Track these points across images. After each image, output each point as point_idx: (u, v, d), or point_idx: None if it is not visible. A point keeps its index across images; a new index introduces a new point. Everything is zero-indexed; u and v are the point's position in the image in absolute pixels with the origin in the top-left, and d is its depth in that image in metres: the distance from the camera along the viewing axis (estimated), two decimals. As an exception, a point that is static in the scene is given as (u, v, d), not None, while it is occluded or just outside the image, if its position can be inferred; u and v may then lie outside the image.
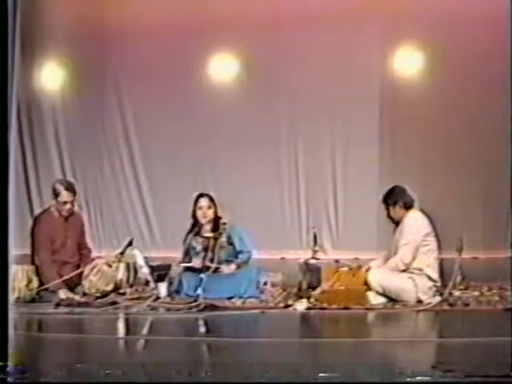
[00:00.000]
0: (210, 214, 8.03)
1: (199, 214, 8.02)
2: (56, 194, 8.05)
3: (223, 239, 8.01)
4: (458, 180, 10.86)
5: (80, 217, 8.57)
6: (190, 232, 8.09)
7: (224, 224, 8.02)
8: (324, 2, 10.68)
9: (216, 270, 7.84)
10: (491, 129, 10.31)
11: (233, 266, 7.92)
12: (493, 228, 10.54)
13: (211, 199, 8.09)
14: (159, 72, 11.23)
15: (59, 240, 8.03)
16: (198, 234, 8.06)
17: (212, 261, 7.90)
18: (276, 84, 11.15)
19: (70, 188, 8.14)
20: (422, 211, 7.74)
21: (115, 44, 11.23)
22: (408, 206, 7.70)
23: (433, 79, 10.89)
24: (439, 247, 7.72)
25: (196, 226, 8.08)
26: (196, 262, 7.88)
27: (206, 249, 7.96)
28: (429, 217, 7.72)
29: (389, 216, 7.78)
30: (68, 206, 8.07)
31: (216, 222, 8.03)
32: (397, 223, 7.75)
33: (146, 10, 10.89)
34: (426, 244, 7.57)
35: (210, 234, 8.03)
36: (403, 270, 7.55)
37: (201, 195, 8.12)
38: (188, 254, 8.04)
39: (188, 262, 7.96)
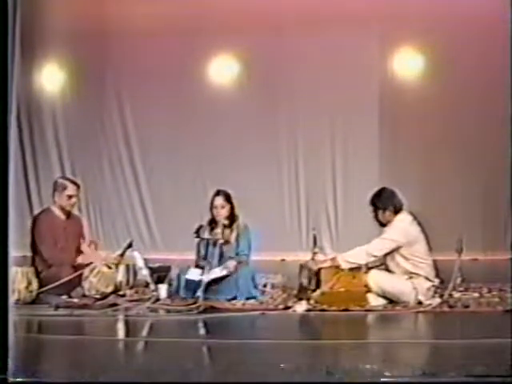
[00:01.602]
0: (224, 212, 8.04)
1: (214, 212, 8.06)
2: (63, 188, 8.15)
3: (233, 235, 8.04)
4: (458, 181, 10.87)
5: (80, 219, 8.62)
6: (204, 226, 8.09)
7: (237, 222, 8.07)
8: (324, 3, 10.68)
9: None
10: (491, 129, 10.32)
11: (233, 263, 7.92)
12: (493, 229, 10.55)
13: (226, 198, 8.08)
14: (159, 73, 11.25)
15: (59, 238, 8.06)
16: (212, 229, 8.06)
17: (221, 255, 7.95)
18: (276, 85, 11.16)
19: (75, 182, 8.34)
20: (411, 214, 7.70)
21: (115, 45, 11.24)
22: (397, 210, 7.67)
23: (432, 80, 10.91)
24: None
25: (212, 221, 8.09)
26: (197, 271, 7.85)
27: (214, 243, 7.97)
28: (416, 220, 7.67)
29: (376, 219, 7.75)
30: (74, 199, 8.20)
31: (231, 219, 8.06)
32: (382, 226, 7.72)
33: (147, 11, 10.89)
34: (413, 250, 7.54)
35: (221, 230, 8.03)
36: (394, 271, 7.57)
37: (217, 193, 8.12)
38: (199, 248, 8.04)
39: (201, 257, 7.96)
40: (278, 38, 10.94)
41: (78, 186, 8.29)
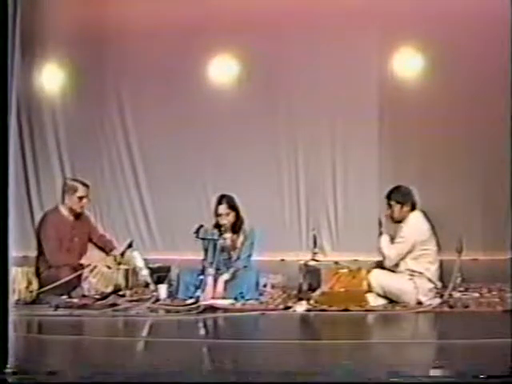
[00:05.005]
0: (229, 219, 7.96)
1: (218, 219, 7.97)
2: (73, 190, 8.13)
3: (240, 239, 8.01)
4: (458, 181, 10.86)
5: (89, 220, 8.58)
6: (205, 227, 7.95)
7: (244, 227, 8.02)
8: (324, 2, 10.68)
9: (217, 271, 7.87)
10: (491, 129, 10.30)
11: (226, 276, 7.88)
12: (493, 229, 10.52)
13: (230, 205, 7.96)
14: (159, 73, 11.23)
15: (65, 240, 8.05)
16: (220, 233, 7.97)
17: (229, 259, 7.95)
18: (276, 85, 11.15)
19: (85, 183, 8.28)
20: (424, 213, 7.71)
21: (116, 45, 11.23)
22: (413, 207, 7.68)
23: (432, 79, 10.90)
24: (439, 249, 7.71)
25: (218, 225, 8.00)
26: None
27: (222, 249, 7.93)
28: (429, 220, 7.69)
29: (391, 215, 7.72)
30: (84, 200, 8.18)
31: (237, 225, 8.00)
32: (397, 223, 7.72)
33: (147, 12, 10.88)
34: (425, 248, 7.54)
35: (228, 235, 8.00)
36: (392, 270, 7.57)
37: (220, 201, 7.99)
38: (207, 252, 7.92)
39: (208, 260, 7.88)
40: (277, 39, 10.93)
41: (88, 187, 8.24)
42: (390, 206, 7.70)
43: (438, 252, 7.70)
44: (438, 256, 7.64)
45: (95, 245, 8.36)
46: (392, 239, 7.65)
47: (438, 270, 7.58)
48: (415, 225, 7.60)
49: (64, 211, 8.18)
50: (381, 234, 7.69)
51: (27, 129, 11.62)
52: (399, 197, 7.67)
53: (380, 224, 7.73)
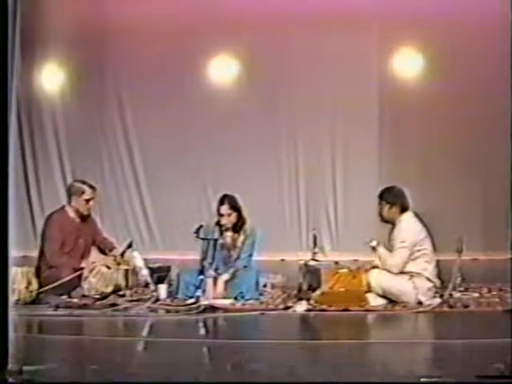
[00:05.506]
0: (231, 219, 7.95)
1: (221, 219, 7.95)
2: (81, 193, 8.10)
3: (241, 239, 8.00)
4: (458, 181, 10.87)
5: (95, 223, 8.55)
6: (205, 227, 7.94)
7: (245, 227, 8.01)
8: (324, 2, 10.68)
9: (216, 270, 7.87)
10: (491, 129, 10.32)
11: (226, 276, 7.88)
12: (493, 229, 10.53)
13: (232, 205, 7.95)
14: (160, 73, 11.24)
15: (69, 241, 8.03)
16: (221, 232, 7.98)
17: (229, 257, 7.95)
18: (276, 85, 11.15)
19: (92, 186, 8.23)
20: (416, 214, 7.72)
21: (116, 45, 11.23)
22: (404, 209, 7.68)
23: (432, 79, 10.91)
24: (439, 249, 7.72)
25: (220, 224, 7.99)
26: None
27: (222, 247, 7.94)
28: (422, 220, 7.70)
29: (380, 214, 7.74)
30: (91, 203, 8.16)
31: (237, 224, 7.99)
32: (386, 222, 7.73)
33: (147, 12, 10.88)
34: (422, 248, 7.55)
35: (229, 234, 7.99)
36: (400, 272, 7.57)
37: (222, 201, 7.97)
38: (207, 250, 7.91)
39: (207, 259, 7.86)
40: (278, 39, 10.93)
41: (95, 190, 8.20)
42: (380, 205, 7.74)
43: (438, 252, 7.71)
44: (434, 255, 7.64)
45: (98, 247, 8.34)
46: (388, 248, 7.66)
47: (435, 268, 7.59)
48: (409, 226, 7.60)
49: (70, 213, 8.15)
50: (374, 249, 7.65)
51: (27, 129, 11.62)
52: (390, 197, 7.70)
53: (372, 247, 7.68)
